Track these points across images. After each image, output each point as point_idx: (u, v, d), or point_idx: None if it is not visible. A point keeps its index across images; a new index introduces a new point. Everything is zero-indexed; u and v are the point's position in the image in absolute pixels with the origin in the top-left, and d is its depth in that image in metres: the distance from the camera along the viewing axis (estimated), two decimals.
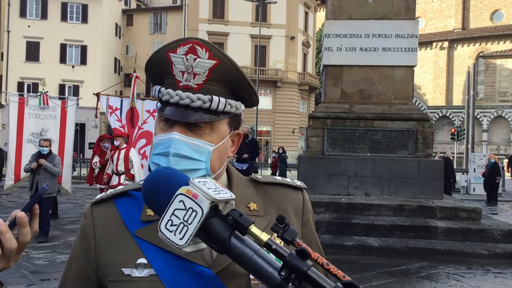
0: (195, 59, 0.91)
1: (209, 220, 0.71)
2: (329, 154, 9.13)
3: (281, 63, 36.99)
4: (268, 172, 21.72)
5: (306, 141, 9.47)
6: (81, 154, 28.38)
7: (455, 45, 54.34)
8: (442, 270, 6.66)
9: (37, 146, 8.76)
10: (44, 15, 34.27)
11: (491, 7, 54.55)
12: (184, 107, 0.93)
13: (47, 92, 11.04)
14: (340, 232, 7.81)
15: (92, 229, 0.97)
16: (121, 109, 9.78)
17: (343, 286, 0.65)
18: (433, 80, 55.12)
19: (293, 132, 37.29)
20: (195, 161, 0.93)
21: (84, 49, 34.87)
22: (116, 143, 8.48)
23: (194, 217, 0.70)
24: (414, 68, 9.55)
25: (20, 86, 33.45)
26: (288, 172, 19.95)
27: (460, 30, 55.34)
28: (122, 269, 0.91)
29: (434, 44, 54.78)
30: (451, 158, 19.74)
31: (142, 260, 0.90)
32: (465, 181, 19.02)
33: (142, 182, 0.85)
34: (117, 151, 8.27)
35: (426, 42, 52.95)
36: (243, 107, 1.01)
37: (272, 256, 0.71)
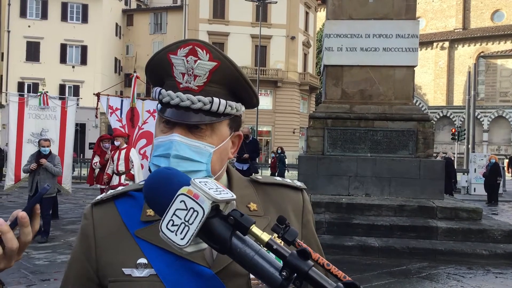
0: (195, 61, 0.91)
1: (210, 220, 0.71)
2: (329, 154, 9.13)
3: (282, 63, 36.95)
4: (268, 172, 21.71)
5: (307, 141, 9.47)
6: (81, 154, 28.38)
7: (456, 45, 54.32)
8: (443, 271, 6.66)
9: (37, 146, 8.75)
10: (44, 15, 34.27)
11: (491, 7, 54.54)
12: (184, 109, 0.93)
13: (47, 92, 11.05)
14: (340, 233, 7.81)
15: (92, 230, 0.97)
16: (121, 109, 9.78)
17: (344, 286, 0.65)
18: (434, 80, 55.09)
19: (294, 132, 37.27)
20: (196, 162, 0.93)
21: (84, 49, 34.88)
22: (116, 143, 8.48)
23: (195, 217, 0.70)
24: (414, 68, 9.55)
25: (20, 86, 33.46)
26: (286, 172, 19.94)
27: (461, 30, 55.32)
28: (123, 269, 0.91)
29: (434, 44, 54.75)
30: (453, 158, 19.74)
31: (142, 260, 0.91)
32: (466, 181, 19.03)
33: (142, 183, 0.85)
34: (118, 151, 8.27)
35: (426, 42, 52.94)
36: (243, 108, 1.01)
37: (272, 256, 0.71)
